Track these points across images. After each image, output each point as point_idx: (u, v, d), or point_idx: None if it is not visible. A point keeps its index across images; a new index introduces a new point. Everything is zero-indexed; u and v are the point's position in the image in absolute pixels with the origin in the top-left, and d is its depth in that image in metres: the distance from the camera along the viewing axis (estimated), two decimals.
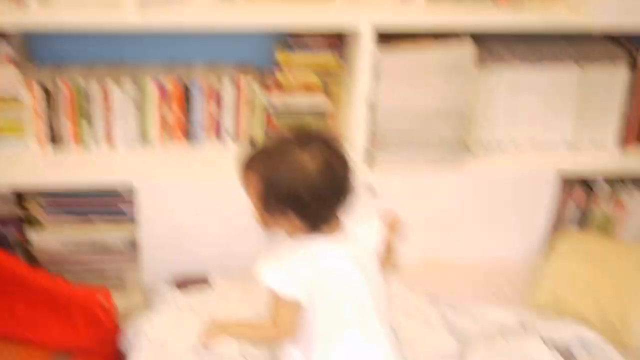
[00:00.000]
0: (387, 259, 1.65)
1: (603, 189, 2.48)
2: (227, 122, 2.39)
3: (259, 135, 2.37)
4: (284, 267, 1.48)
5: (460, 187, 2.36)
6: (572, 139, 2.45)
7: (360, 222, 1.59)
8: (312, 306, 1.51)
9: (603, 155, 2.45)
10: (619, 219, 2.52)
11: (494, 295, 2.28)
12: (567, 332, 1.96)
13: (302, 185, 1.42)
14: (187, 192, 2.26)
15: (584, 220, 2.55)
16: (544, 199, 2.42)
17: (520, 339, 1.91)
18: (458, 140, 2.29)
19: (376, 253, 1.61)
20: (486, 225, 2.42)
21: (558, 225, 2.53)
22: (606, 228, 2.54)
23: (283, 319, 1.52)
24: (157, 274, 2.35)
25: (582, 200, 2.50)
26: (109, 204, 2.31)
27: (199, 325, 1.79)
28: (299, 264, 1.49)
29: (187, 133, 2.40)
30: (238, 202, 2.27)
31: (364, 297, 1.58)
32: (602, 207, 2.50)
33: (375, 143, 2.26)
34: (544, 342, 1.89)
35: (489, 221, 2.42)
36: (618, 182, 2.49)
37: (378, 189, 2.18)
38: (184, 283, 2.29)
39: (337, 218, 1.53)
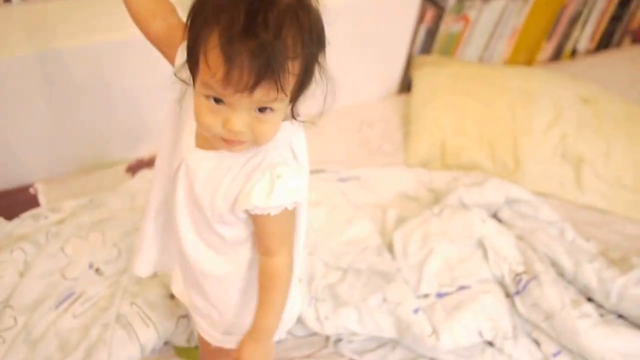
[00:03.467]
0: None
1: (452, 5, 2.26)
2: None
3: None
4: (300, 171, 1.07)
5: None
6: None
7: None
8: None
9: None
10: (463, 36, 2.35)
11: (373, 154, 2.03)
12: (486, 190, 1.81)
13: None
14: None
15: (429, 42, 2.34)
16: (405, 23, 2.14)
17: (452, 213, 1.73)
18: None
19: None
20: (345, 65, 2.11)
21: (410, 52, 2.30)
22: (448, 48, 2.37)
23: (291, 234, 1.13)
24: None
25: (432, 20, 2.27)
26: None
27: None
28: (304, 161, 1.11)
29: None
30: (56, 77, 1.73)
31: None
32: (449, 24, 2.30)
33: None
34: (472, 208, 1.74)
35: (348, 60, 2.10)
36: None
37: None
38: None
39: None
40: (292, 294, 1.22)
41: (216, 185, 1.06)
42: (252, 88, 0.92)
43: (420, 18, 2.24)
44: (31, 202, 1.77)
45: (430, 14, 2.25)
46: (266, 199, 1.03)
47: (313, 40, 0.98)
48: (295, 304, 1.31)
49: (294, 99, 1.01)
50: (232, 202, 1.06)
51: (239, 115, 0.96)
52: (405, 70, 2.29)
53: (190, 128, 1.08)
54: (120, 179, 1.85)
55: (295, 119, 1.06)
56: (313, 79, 1.02)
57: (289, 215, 1.09)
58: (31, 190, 1.79)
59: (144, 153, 1.93)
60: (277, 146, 1.07)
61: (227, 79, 0.92)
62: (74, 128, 1.82)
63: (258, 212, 1.05)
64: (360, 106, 2.17)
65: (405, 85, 2.30)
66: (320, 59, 1.02)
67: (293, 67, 0.94)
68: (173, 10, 1.14)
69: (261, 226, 1.09)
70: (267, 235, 1.10)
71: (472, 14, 2.31)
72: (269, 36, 0.90)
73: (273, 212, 1.05)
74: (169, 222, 1.19)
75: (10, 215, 1.72)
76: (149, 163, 1.89)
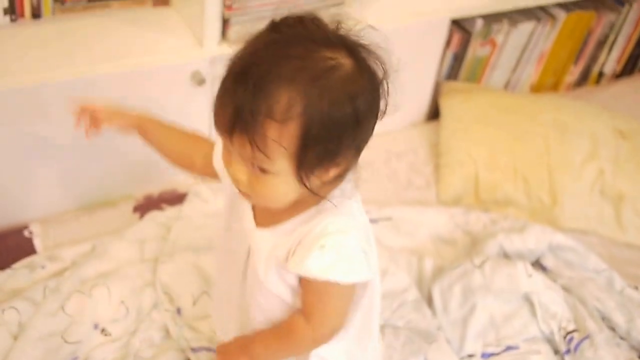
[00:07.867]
0: None
1: (479, 29, 2.10)
2: None
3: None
4: (348, 249, 0.95)
5: None
6: None
7: None
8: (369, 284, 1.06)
9: None
10: (490, 60, 2.20)
11: (404, 189, 1.87)
12: (529, 237, 1.66)
13: (369, 107, 0.93)
14: None
15: (455, 67, 2.18)
16: (433, 49, 1.99)
17: (495, 266, 1.57)
18: None
19: None
20: None
21: (437, 78, 2.15)
22: (475, 72, 2.21)
23: (335, 313, 1.02)
24: None
25: (459, 45, 2.11)
26: None
27: None
28: (361, 235, 0.99)
29: None
30: (53, 107, 1.54)
31: None
32: (476, 48, 2.15)
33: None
34: (516, 259, 1.59)
35: None
36: (493, 20, 2.13)
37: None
38: None
39: None
40: None
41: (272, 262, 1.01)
42: (228, 133, 0.88)
43: (447, 43, 2.09)
44: (25, 247, 1.58)
45: (457, 38, 2.10)
46: (298, 265, 0.95)
47: (325, 125, 0.87)
48: None
49: (303, 171, 0.89)
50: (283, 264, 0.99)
51: (236, 162, 0.92)
52: (432, 97, 2.14)
53: (247, 210, 1.03)
54: (126, 220, 1.66)
55: (314, 193, 0.93)
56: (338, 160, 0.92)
57: (336, 289, 0.97)
58: (26, 233, 1.60)
59: (152, 190, 1.76)
60: (339, 213, 0.96)
61: (216, 115, 0.89)
62: (74, 161, 1.65)
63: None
64: (387, 135, 1.99)
65: (432, 113, 2.16)
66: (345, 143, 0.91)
67: (280, 134, 0.86)
68: (207, 142, 1.12)
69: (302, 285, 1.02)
70: (303, 296, 1.03)
71: (499, 38, 2.16)
72: (247, 89, 0.85)
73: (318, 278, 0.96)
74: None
75: (1, 263, 1.52)
76: (158, 202, 1.71)
